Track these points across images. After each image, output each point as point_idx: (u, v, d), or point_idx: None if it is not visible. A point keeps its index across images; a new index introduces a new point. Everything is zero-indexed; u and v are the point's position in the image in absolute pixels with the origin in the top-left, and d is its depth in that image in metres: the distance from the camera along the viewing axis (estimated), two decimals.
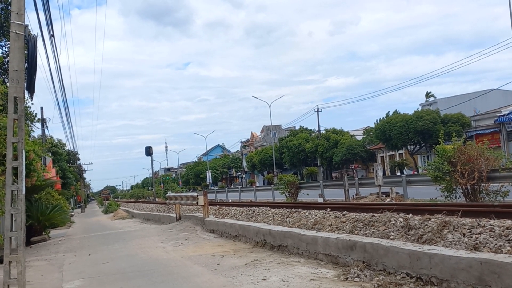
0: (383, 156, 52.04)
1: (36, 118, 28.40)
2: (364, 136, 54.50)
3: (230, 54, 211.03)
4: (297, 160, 59.19)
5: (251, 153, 77.71)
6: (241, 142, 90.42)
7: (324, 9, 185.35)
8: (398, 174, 40.85)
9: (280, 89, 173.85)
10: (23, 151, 5.76)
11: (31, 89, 6.51)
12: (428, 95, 52.36)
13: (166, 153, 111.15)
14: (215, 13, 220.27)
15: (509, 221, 5.67)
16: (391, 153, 49.75)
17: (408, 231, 6.33)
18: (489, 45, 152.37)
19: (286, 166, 64.36)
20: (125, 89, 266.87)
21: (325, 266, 6.09)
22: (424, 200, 13.94)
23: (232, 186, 67.69)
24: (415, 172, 36.45)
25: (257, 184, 63.78)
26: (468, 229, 5.66)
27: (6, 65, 15.32)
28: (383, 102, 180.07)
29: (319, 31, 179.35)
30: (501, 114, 36.80)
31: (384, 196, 16.58)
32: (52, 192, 18.57)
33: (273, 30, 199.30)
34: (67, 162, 48.87)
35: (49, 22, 10.45)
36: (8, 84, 6.91)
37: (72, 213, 35.21)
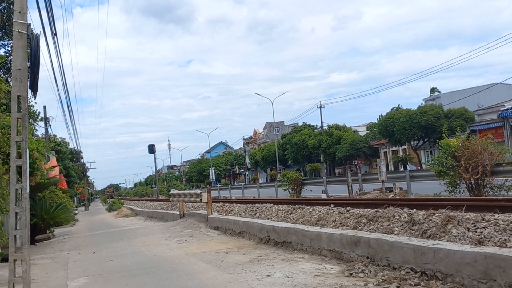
0: (386, 152, 51.97)
1: (40, 117, 28.57)
2: (367, 132, 54.43)
3: (232, 51, 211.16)
4: (300, 156, 59.17)
5: (254, 150, 77.75)
6: (244, 139, 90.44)
7: (326, 4, 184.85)
8: (402, 169, 40.79)
9: (282, 85, 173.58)
10: (27, 149, 5.77)
11: (34, 87, 6.52)
12: (433, 90, 52.23)
13: (169, 150, 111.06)
14: (217, 9, 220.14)
15: None
16: (394, 148, 49.67)
17: (412, 226, 6.33)
18: (492, 39, 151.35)
19: (289, 162, 64.38)
20: (128, 87, 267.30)
21: (329, 262, 6.09)
22: (428, 195, 13.92)
23: (235, 183, 67.75)
24: (418, 167, 36.39)
25: (260, 181, 63.82)
26: (472, 223, 5.65)
27: (9, 64, 15.37)
28: (386, 97, 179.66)
29: (321, 27, 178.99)
30: (505, 108, 36.68)
31: (388, 191, 16.58)
32: (56, 190, 18.61)
33: (276, 26, 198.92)
34: (71, 160, 48.95)
35: (52, 20, 10.47)
36: (11, 83, 6.92)
37: (76, 212, 35.31)
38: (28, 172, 5.72)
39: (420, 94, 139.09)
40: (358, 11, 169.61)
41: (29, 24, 5.89)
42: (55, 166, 21.98)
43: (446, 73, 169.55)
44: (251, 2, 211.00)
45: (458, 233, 5.54)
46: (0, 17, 15.92)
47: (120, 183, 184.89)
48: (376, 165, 17.79)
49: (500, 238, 5.09)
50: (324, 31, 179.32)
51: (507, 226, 5.31)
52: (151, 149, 46.54)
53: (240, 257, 7.15)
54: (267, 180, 64.71)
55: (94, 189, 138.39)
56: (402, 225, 6.57)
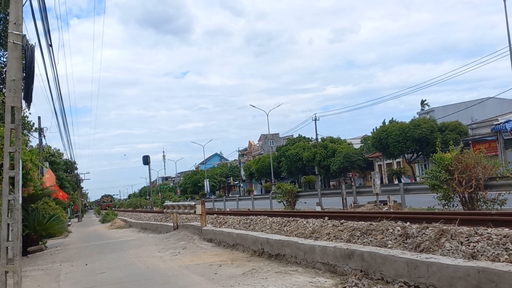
0: (380, 165, 52.10)
1: (34, 128, 28.42)
2: (362, 145, 54.60)
3: (229, 63, 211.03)
4: (295, 168, 59.15)
5: (249, 161, 77.69)
6: (239, 150, 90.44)
7: (324, 16, 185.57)
8: (396, 182, 40.86)
9: (278, 97, 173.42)
10: (20, 160, 5.75)
11: (28, 98, 6.53)
12: (423, 103, 52.66)
13: (164, 162, 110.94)
14: (215, 21, 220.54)
15: (507, 229, 5.67)
16: (388, 161, 49.79)
17: (406, 240, 6.33)
18: (486, 53, 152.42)
19: (284, 174, 64.30)
20: (123, 98, 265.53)
21: (323, 275, 6.07)
22: (421, 208, 13.94)
23: (230, 195, 67.54)
24: (413, 181, 36.48)
25: (255, 193, 63.70)
26: (465, 237, 5.66)
27: (3, 75, 15.35)
28: (381, 110, 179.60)
29: (319, 39, 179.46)
30: (498, 122, 36.93)
31: (382, 204, 16.58)
32: (49, 201, 18.49)
33: (274, 38, 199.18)
34: (65, 171, 48.73)
35: (47, 32, 10.50)
36: (5, 93, 6.92)
37: (69, 223, 35.06)
38: (20, 183, 5.70)
39: (415, 108, 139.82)
40: (356, 23, 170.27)
41: (24, 35, 5.92)
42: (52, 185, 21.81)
43: (440, 87, 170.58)
44: (249, 14, 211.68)
45: (451, 247, 5.54)
46: None
47: (114, 194, 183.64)
48: (371, 178, 17.79)
49: (493, 252, 5.09)
50: (321, 43, 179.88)
51: (500, 240, 5.32)
52: (146, 160, 46.45)
53: (234, 270, 7.11)
54: (261, 192, 64.58)
55: (88, 200, 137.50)
56: (395, 238, 6.56)
